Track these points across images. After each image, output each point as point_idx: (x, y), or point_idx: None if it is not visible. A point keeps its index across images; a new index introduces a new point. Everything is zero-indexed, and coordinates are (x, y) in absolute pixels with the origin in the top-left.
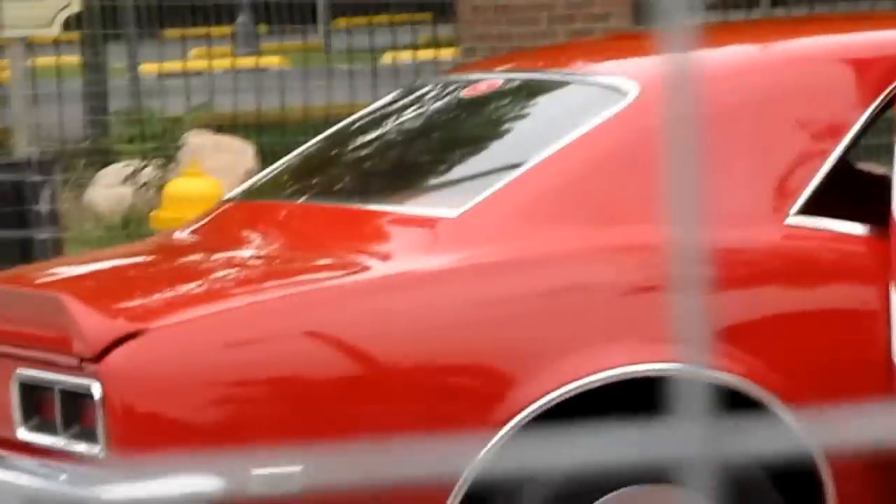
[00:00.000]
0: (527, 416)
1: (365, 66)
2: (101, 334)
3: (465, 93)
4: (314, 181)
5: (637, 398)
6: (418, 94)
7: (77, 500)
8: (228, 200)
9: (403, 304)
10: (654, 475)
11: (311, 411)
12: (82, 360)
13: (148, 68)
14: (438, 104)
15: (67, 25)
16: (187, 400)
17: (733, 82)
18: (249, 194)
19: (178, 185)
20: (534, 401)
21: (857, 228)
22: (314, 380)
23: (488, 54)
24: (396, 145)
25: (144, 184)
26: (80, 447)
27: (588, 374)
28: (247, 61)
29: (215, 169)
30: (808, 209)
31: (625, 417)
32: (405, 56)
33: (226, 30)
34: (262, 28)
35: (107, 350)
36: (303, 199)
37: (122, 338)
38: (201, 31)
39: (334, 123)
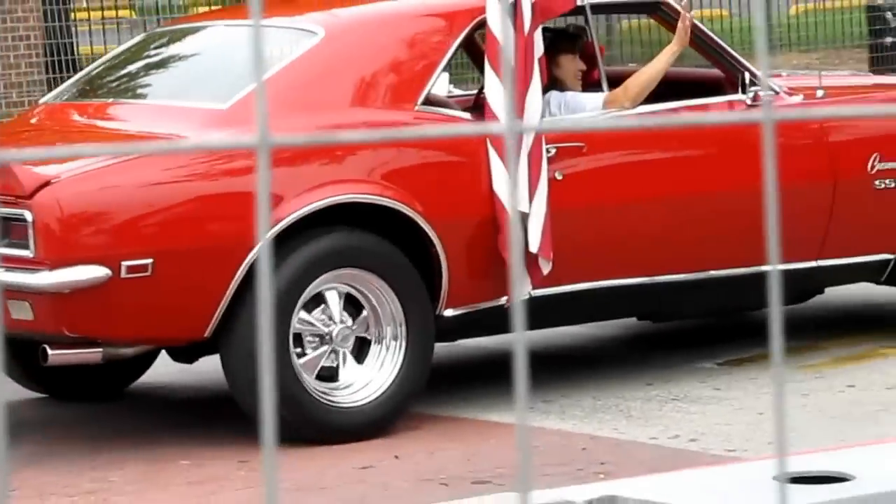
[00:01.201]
0: (288, 221)
1: None
2: (32, 181)
3: (206, 33)
4: (118, 87)
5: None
6: (163, 34)
7: (14, 282)
8: (45, 103)
9: (212, 157)
10: (357, 262)
11: (156, 225)
12: (18, 197)
13: None
14: (185, 41)
15: None
16: (84, 221)
17: (381, 29)
18: (58, 97)
19: None
20: (292, 212)
21: (464, 114)
22: (161, 206)
23: None
24: (167, 66)
25: None
26: (15, 251)
27: (319, 200)
28: None
29: None
30: (429, 103)
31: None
32: None
33: None
34: None
35: (35, 191)
36: (111, 98)
37: (44, 183)
38: None
39: None
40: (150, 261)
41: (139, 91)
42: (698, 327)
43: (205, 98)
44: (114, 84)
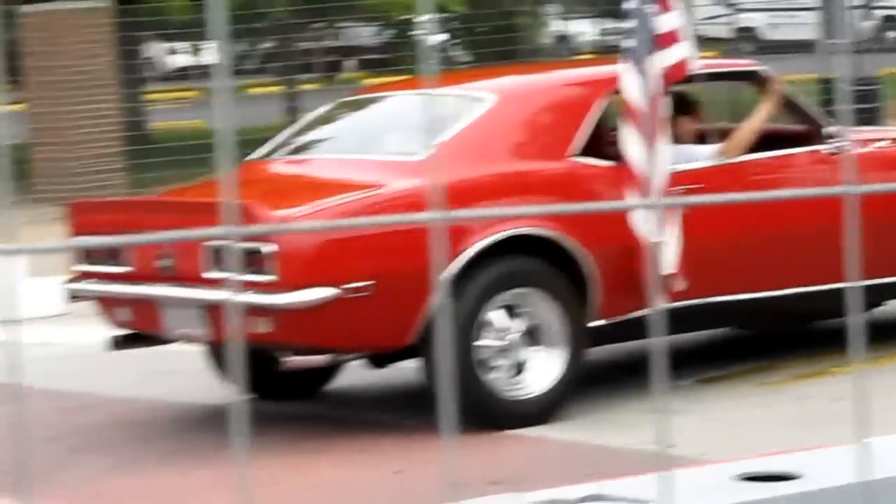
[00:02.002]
0: (475, 249)
1: None
2: (275, 222)
3: (388, 101)
4: (319, 145)
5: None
6: (356, 100)
7: (258, 303)
8: (253, 160)
9: (409, 200)
10: (528, 282)
11: (375, 252)
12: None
13: None
14: (371, 107)
15: None
16: (317, 252)
17: (539, 95)
18: (268, 154)
19: None
20: (478, 241)
21: (608, 162)
22: (378, 238)
23: None
24: (364, 126)
25: None
26: (260, 278)
27: (499, 232)
28: None
29: None
30: (581, 153)
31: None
32: None
33: None
34: None
35: None
36: (319, 155)
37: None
38: None
39: None
40: (371, 282)
41: (338, 147)
42: (684, 350)
43: (399, 152)
44: (315, 142)
